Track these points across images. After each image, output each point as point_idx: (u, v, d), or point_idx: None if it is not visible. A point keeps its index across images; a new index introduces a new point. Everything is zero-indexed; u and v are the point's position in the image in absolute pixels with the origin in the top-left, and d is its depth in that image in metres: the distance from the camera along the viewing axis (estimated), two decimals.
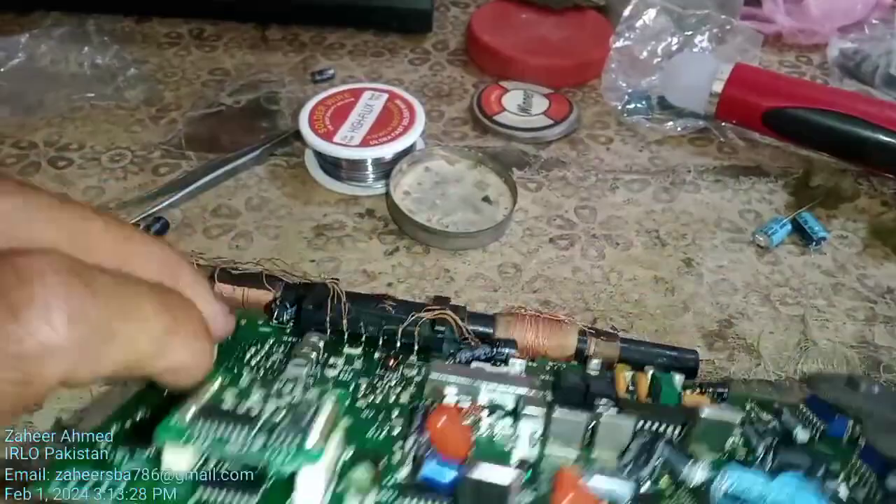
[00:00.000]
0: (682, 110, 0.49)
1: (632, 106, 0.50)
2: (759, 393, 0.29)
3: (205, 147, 0.45)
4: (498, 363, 0.24)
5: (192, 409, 0.17)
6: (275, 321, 0.26)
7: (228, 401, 0.18)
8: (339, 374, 0.23)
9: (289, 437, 0.17)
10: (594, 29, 0.55)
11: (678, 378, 0.25)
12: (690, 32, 0.53)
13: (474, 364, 0.24)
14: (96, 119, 0.47)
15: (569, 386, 0.23)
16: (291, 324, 0.26)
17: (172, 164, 0.44)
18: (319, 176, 0.44)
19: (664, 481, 0.21)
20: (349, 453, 0.20)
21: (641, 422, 0.21)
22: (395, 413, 0.22)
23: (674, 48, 0.52)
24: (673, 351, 0.29)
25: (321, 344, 0.24)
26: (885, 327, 0.37)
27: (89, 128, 0.47)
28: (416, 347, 0.25)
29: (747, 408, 0.24)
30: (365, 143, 0.42)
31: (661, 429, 0.21)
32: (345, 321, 0.25)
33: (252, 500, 0.17)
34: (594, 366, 0.26)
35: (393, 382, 0.23)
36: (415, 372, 0.24)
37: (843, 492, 0.22)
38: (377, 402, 0.22)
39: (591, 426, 0.21)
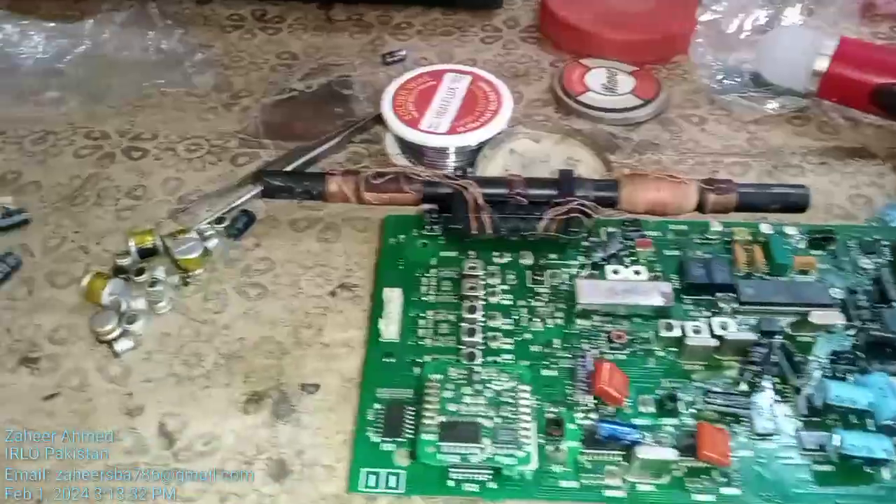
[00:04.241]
0: (779, 88, 0.46)
1: (724, 84, 0.47)
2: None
3: (280, 135, 0.44)
4: (628, 249, 0.33)
5: (435, 426, 0.25)
6: (427, 230, 0.34)
7: (452, 407, 0.26)
8: (499, 300, 0.31)
9: (508, 446, 0.25)
10: (678, 0, 0.52)
11: (789, 233, 0.33)
12: (780, 4, 0.51)
13: (609, 270, 0.32)
14: (166, 107, 0.46)
15: (693, 280, 0.31)
16: (442, 233, 0.34)
17: (251, 153, 0.42)
18: (402, 163, 0.42)
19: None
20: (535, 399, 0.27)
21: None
22: (558, 341, 0.29)
23: (763, 21, 0.50)
24: (783, 188, 0.34)
25: (480, 273, 0.32)
26: None
27: (160, 116, 0.45)
28: (554, 246, 0.33)
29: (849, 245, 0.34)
30: (452, 130, 0.40)
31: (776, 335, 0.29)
32: (488, 230, 0.32)
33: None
34: (713, 230, 0.33)
35: (545, 300, 0.31)
36: (559, 281, 0.32)
37: None
38: (540, 330, 0.30)
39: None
